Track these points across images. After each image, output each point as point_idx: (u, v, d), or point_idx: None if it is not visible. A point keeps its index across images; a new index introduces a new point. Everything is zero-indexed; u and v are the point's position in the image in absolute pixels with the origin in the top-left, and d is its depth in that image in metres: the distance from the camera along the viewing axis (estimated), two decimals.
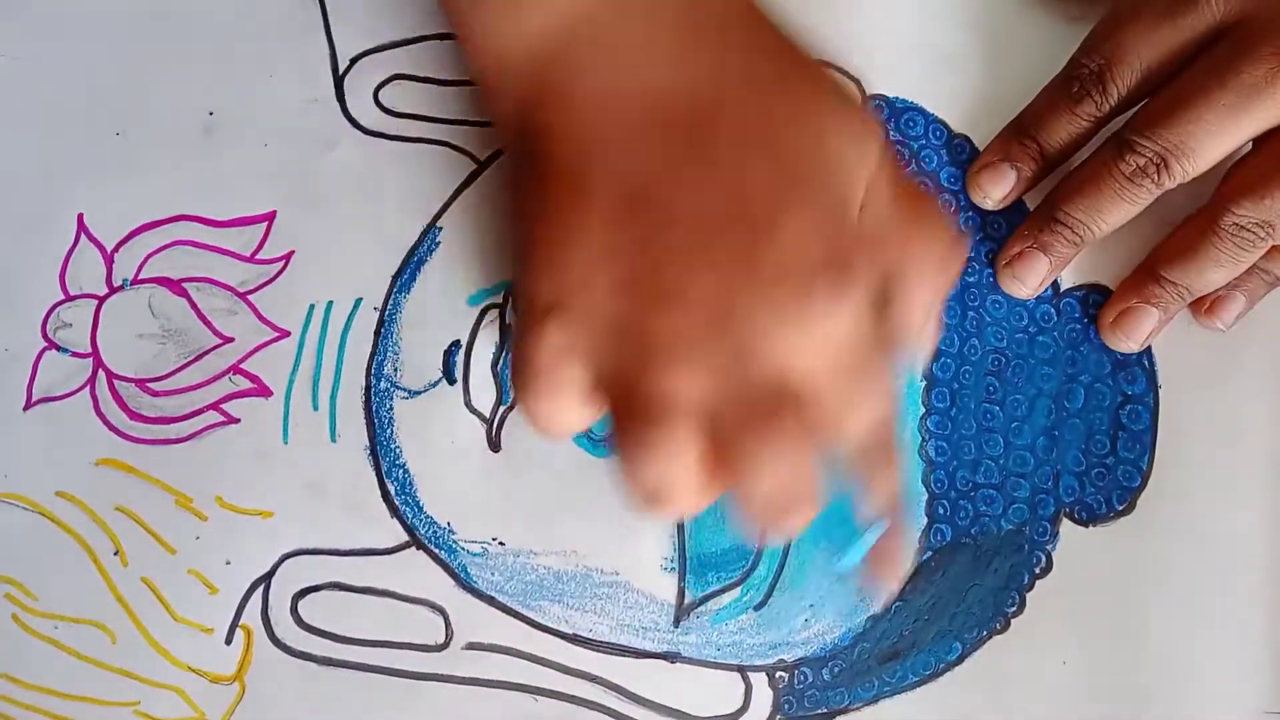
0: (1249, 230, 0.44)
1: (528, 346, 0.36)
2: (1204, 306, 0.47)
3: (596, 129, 0.37)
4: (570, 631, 0.46)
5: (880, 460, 0.39)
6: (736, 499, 0.37)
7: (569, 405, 0.37)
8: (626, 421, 0.36)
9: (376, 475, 0.46)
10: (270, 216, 0.47)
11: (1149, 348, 0.48)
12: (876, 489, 0.39)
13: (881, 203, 0.38)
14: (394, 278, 0.47)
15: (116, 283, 0.46)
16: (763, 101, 0.37)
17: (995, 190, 0.47)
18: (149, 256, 0.47)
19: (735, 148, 0.36)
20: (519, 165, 0.38)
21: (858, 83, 0.49)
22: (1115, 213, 0.45)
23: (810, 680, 0.46)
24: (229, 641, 0.46)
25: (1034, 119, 0.47)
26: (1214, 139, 0.43)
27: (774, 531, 0.37)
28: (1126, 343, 0.47)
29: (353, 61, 0.48)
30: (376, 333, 0.47)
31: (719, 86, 0.37)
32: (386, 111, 0.47)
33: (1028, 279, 0.47)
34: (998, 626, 0.47)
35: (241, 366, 0.46)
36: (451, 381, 0.47)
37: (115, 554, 0.46)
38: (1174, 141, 0.43)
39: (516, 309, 0.43)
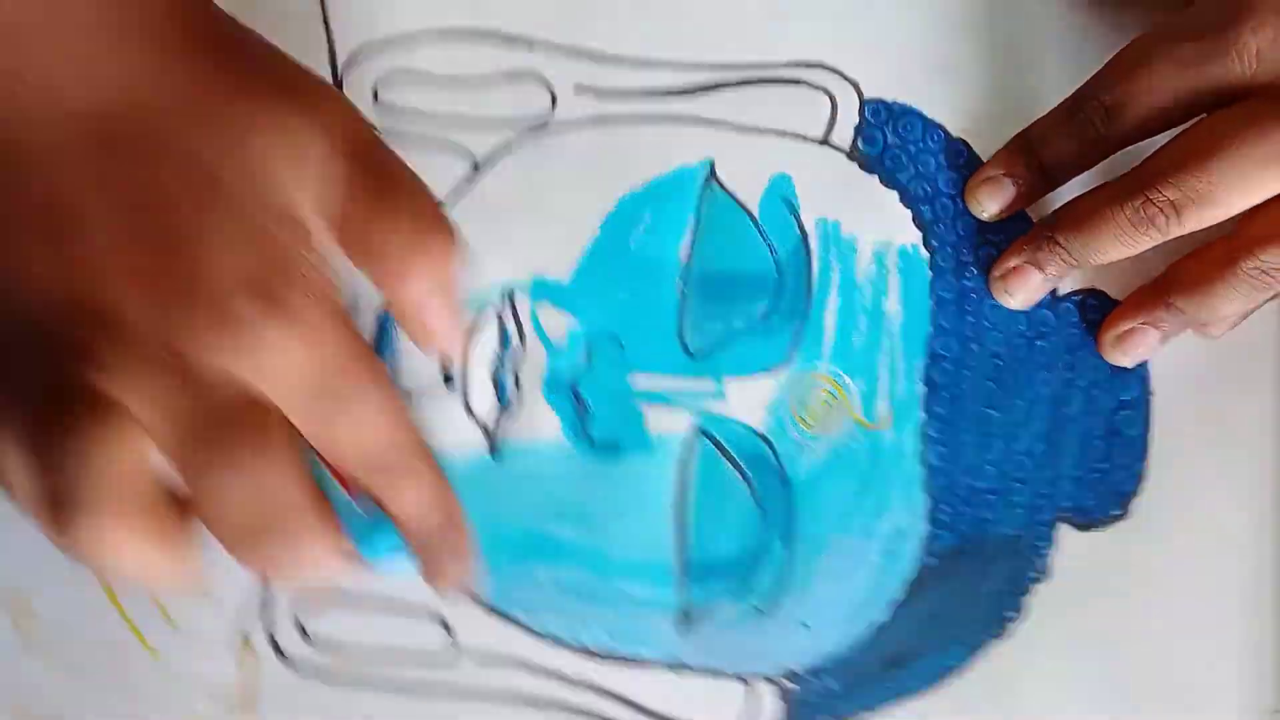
0: (1269, 275, 0.44)
1: None
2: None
3: (10, 155, 0.32)
4: (572, 640, 0.46)
5: (395, 476, 0.35)
6: (211, 533, 0.33)
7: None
8: (54, 428, 0.31)
9: None
10: None
11: None
12: (397, 508, 0.36)
13: (340, 189, 0.34)
14: None
15: None
16: (179, 109, 0.33)
17: (993, 204, 0.47)
18: None
19: (149, 155, 0.32)
20: None
21: (855, 86, 0.48)
22: (1113, 252, 0.45)
23: (815, 688, 0.46)
24: (232, 652, 0.45)
25: (1039, 138, 0.47)
26: (1241, 190, 0.42)
27: (261, 564, 0.34)
28: (1125, 360, 0.47)
29: (351, 57, 0.47)
30: (375, 337, 0.46)
31: (132, 88, 0.32)
32: (385, 109, 0.46)
33: (1018, 293, 0.47)
34: (998, 632, 0.47)
35: None
36: (450, 388, 0.46)
37: None
38: (1198, 188, 0.42)
39: None
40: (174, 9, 0.34)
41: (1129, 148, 0.45)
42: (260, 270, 0.32)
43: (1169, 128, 0.44)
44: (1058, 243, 0.46)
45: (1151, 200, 0.43)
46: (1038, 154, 0.47)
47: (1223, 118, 0.43)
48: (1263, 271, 0.44)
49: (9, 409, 0.32)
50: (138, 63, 0.33)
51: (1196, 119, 0.44)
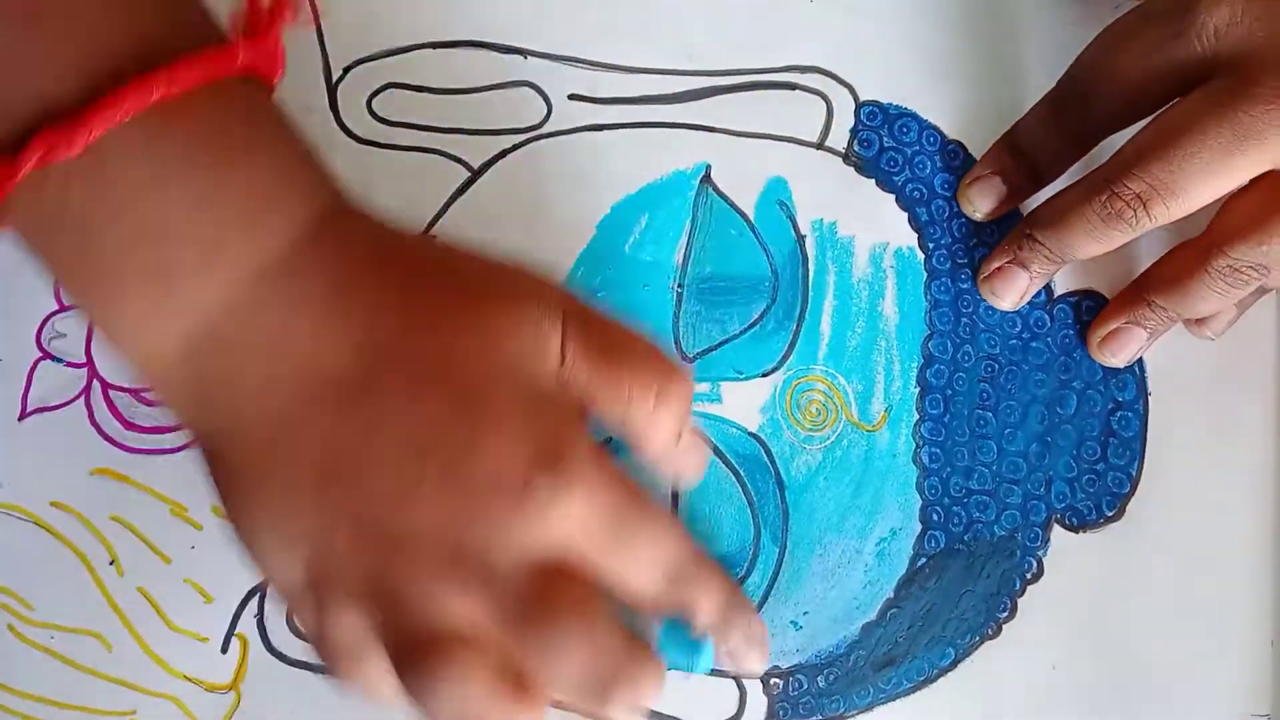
0: (1241, 272, 0.43)
1: (323, 642, 0.36)
2: (1194, 318, 0.47)
3: (266, 418, 0.34)
4: None
5: (693, 581, 0.38)
6: (565, 700, 0.36)
7: (382, 673, 0.35)
8: (410, 672, 0.34)
9: None
10: None
11: None
12: (703, 609, 0.39)
13: (582, 364, 0.36)
14: None
15: None
16: (422, 340, 0.35)
17: (984, 203, 0.47)
18: None
19: (406, 393, 0.34)
20: (210, 462, 0.36)
21: (850, 89, 0.49)
22: (1087, 249, 0.45)
23: (805, 687, 0.47)
24: (225, 650, 0.46)
25: (1024, 135, 0.47)
26: (1204, 178, 0.41)
27: (611, 710, 0.36)
28: (1113, 360, 0.47)
29: (346, 70, 0.47)
30: None
31: (374, 344, 0.35)
32: (380, 120, 0.47)
33: (1005, 294, 0.47)
34: (990, 632, 0.47)
35: None
36: None
37: (111, 564, 0.46)
38: (1162, 178, 0.42)
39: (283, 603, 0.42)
40: (396, 258, 0.37)
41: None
42: (545, 447, 0.35)
43: (1144, 115, 0.44)
44: (1036, 240, 0.46)
45: (1117, 194, 0.43)
46: (1024, 151, 0.47)
47: (1183, 105, 0.42)
48: (1234, 268, 0.43)
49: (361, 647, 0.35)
50: (377, 318, 0.35)
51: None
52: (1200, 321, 0.47)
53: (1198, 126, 0.41)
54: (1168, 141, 0.42)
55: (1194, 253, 0.44)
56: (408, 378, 0.35)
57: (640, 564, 0.37)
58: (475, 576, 0.34)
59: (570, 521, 0.35)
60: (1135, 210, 0.42)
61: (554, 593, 0.34)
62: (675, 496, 0.47)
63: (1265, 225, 0.42)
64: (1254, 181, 0.42)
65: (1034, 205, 0.47)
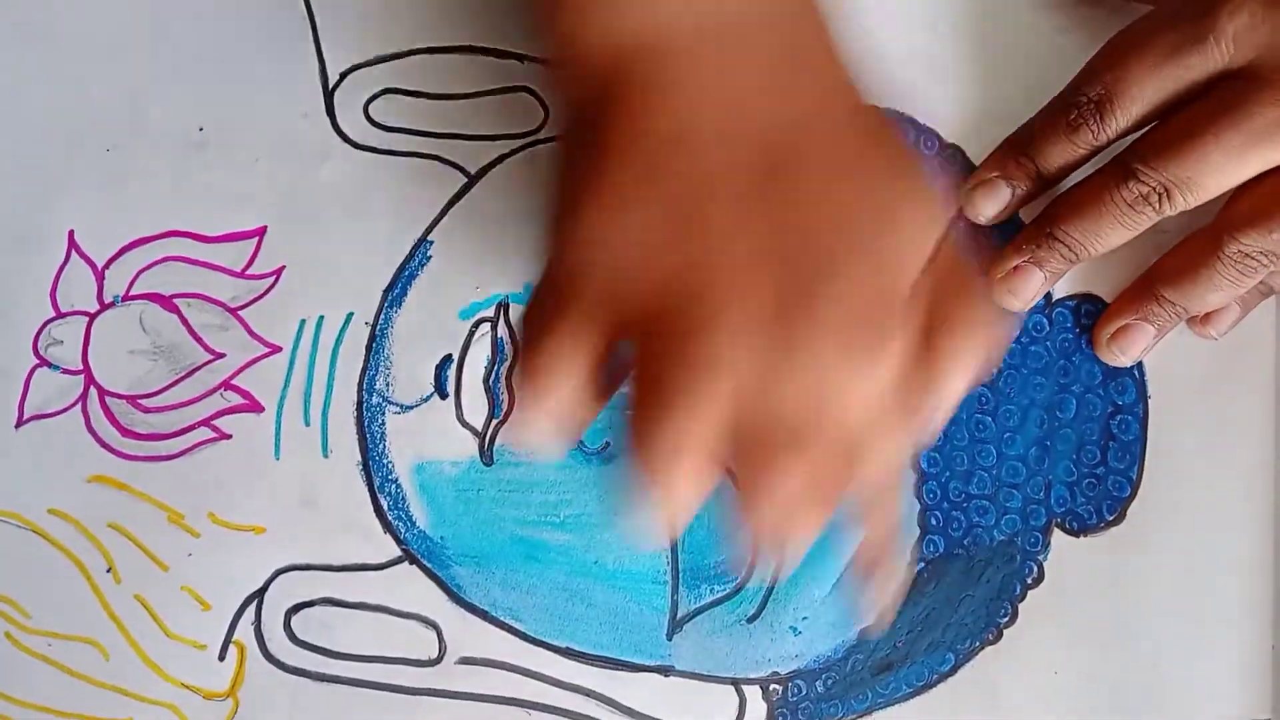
0: (1253, 258, 0.44)
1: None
2: (1198, 317, 0.47)
3: (680, 128, 0.36)
4: (563, 645, 0.46)
5: (880, 505, 0.39)
6: (739, 505, 0.36)
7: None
8: (659, 367, 0.35)
9: (369, 490, 0.46)
10: (261, 232, 0.47)
11: None
12: (871, 529, 0.40)
13: (937, 281, 0.37)
14: (385, 292, 0.47)
15: (107, 299, 0.46)
16: (849, 150, 0.37)
17: (989, 207, 0.47)
18: (140, 273, 0.46)
19: (816, 182, 0.36)
20: (576, 145, 0.38)
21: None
22: (1113, 236, 0.45)
23: (804, 693, 0.47)
24: (222, 658, 0.46)
25: (1031, 139, 0.46)
26: (1219, 175, 0.43)
27: (768, 546, 0.37)
28: (1121, 358, 0.47)
29: (342, 76, 0.47)
30: (368, 347, 0.47)
31: (810, 125, 0.36)
32: (376, 125, 0.47)
33: (1022, 293, 0.47)
34: (990, 637, 0.47)
35: (233, 382, 0.46)
36: (444, 396, 0.47)
37: (108, 571, 0.46)
38: (1180, 175, 0.43)
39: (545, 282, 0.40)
40: (841, 72, 0.38)
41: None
42: (879, 314, 0.35)
43: (1158, 116, 0.44)
44: (1056, 237, 0.46)
45: (1142, 181, 0.43)
46: (1030, 154, 0.46)
47: (1201, 107, 0.43)
48: (1245, 255, 0.44)
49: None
50: (822, 102, 0.37)
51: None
52: (1205, 320, 0.47)
53: (1212, 129, 0.42)
54: (1182, 143, 0.43)
55: (1204, 242, 0.45)
56: (822, 169, 0.36)
57: (860, 469, 0.37)
58: (760, 366, 0.34)
59: (857, 396, 0.35)
60: (1160, 196, 0.43)
61: (804, 441, 0.35)
62: None
63: (1276, 212, 0.43)
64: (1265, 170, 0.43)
65: (1032, 211, 0.47)
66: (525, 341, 0.37)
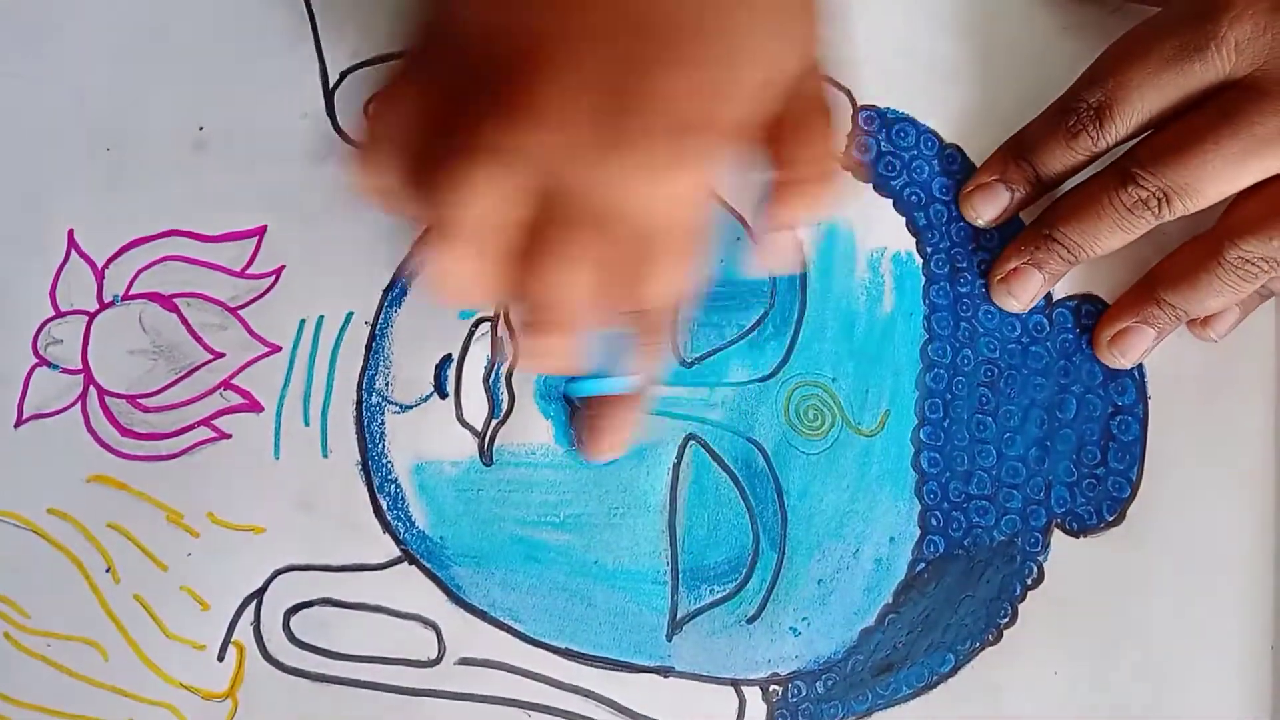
0: (1253, 265, 0.44)
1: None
2: (1198, 319, 0.47)
3: None
4: (563, 646, 0.46)
5: (656, 330, 0.40)
6: (520, 283, 0.36)
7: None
8: (480, 115, 0.34)
9: (368, 490, 0.46)
10: (261, 231, 0.47)
11: None
12: (642, 353, 0.40)
13: (788, 110, 0.37)
14: (385, 292, 0.47)
15: (107, 299, 0.46)
16: None
17: (988, 210, 0.47)
18: (139, 272, 0.46)
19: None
20: None
21: (848, 93, 0.49)
22: (1112, 240, 0.45)
23: (804, 693, 0.47)
24: (221, 658, 0.46)
25: (1030, 143, 0.46)
26: (1219, 183, 0.43)
27: (524, 345, 0.38)
28: (1121, 361, 0.47)
29: (342, 76, 0.47)
30: (368, 347, 0.47)
31: None
32: None
33: (1021, 295, 0.47)
34: (990, 638, 0.47)
35: (232, 382, 0.46)
36: (443, 395, 0.47)
37: (107, 571, 0.46)
38: (1179, 182, 0.43)
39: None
40: None
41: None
42: (710, 122, 0.35)
43: (1158, 123, 0.44)
44: (1055, 239, 0.46)
45: (1142, 185, 0.43)
46: (1029, 158, 0.46)
47: (1201, 115, 0.43)
48: (1246, 261, 0.44)
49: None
50: None
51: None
52: (1205, 323, 0.47)
53: (1211, 137, 0.42)
54: (1182, 149, 0.43)
55: (1204, 247, 0.45)
56: None
57: (649, 285, 0.37)
58: (570, 135, 0.34)
59: (670, 202, 0.35)
60: (1159, 200, 0.43)
61: (587, 235, 0.35)
62: (674, 503, 0.47)
63: (1273, 220, 0.43)
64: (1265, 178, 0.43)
65: (1032, 213, 0.47)
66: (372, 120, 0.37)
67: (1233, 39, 0.42)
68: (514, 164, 0.34)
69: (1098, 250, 0.45)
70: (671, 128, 0.34)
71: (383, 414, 0.47)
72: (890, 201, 0.48)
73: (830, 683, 0.47)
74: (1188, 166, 0.43)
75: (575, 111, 0.34)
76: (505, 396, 0.47)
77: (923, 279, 0.48)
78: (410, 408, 0.47)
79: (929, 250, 0.48)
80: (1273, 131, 0.42)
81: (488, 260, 0.36)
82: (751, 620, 0.47)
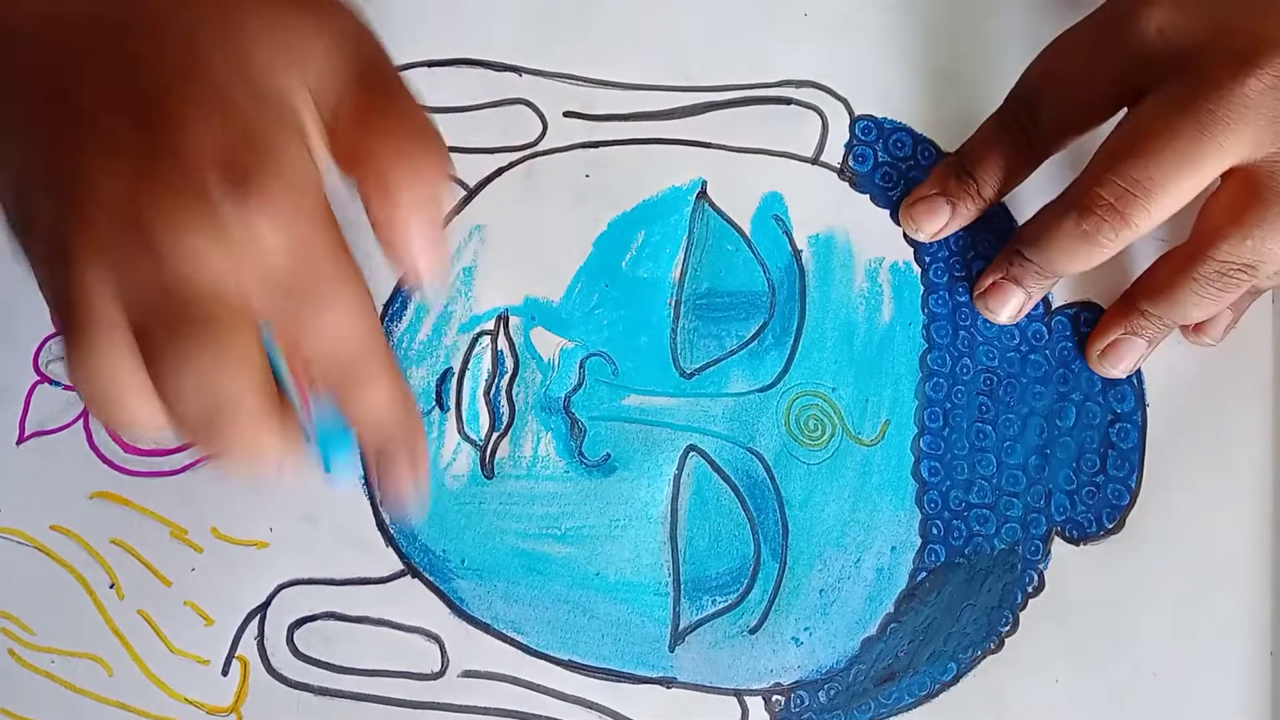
0: (1230, 275, 0.43)
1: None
2: (1190, 325, 0.47)
3: (14, 26, 0.33)
4: (565, 657, 0.46)
5: (358, 377, 0.34)
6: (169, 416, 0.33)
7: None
8: (61, 333, 0.32)
9: (371, 504, 0.46)
10: None
11: None
12: (360, 407, 0.34)
13: (355, 101, 0.34)
14: (385, 306, 0.47)
15: None
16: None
17: (929, 224, 0.47)
18: None
19: (141, 34, 0.33)
20: None
21: (845, 103, 0.49)
22: (1070, 267, 0.45)
23: (806, 703, 0.47)
24: (225, 673, 0.46)
25: (970, 154, 0.47)
26: (1177, 173, 0.41)
27: (214, 459, 0.33)
28: (1115, 372, 0.47)
29: None
30: None
31: None
32: None
33: (999, 310, 0.47)
34: (992, 646, 0.47)
35: None
36: (444, 409, 0.47)
37: (111, 587, 0.46)
38: (1136, 178, 0.41)
39: None
40: None
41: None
42: (237, 150, 0.31)
43: (1095, 122, 0.44)
44: (1025, 257, 0.46)
45: (1091, 209, 0.42)
46: (970, 171, 0.46)
47: (1144, 107, 0.42)
48: (1222, 273, 0.43)
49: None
50: None
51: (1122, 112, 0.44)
52: (1199, 329, 0.47)
53: (1162, 123, 0.41)
54: (1136, 142, 0.42)
55: (1180, 260, 0.44)
56: (151, 18, 0.33)
57: (303, 342, 0.33)
58: (134, 263, 0.31)
59: (239, 255, 0.31)
60: (1113, 222, 0.42)
61: (200, 310, 0.31)
62: (675, 514, 0.47)
63: (1243, 220, 0.42)
64: (1224, 181, 0.43)
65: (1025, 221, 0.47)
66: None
67: (1154, 23, 0.42)
68: (111, 320, 0.32)
69: (1066, 273, 0.46)
70: (197, 172, 0.31)
71: None
72: (887, 212, 0.49)
73: (833, 692, 0.47)
74: (1144, 159, 0.41)
75: (111, 220, 0.31)
76: (506, 409, 0.47)
77: (921, 288, 0.48)
78: None
79: (927, 259, 0.48)
80: (1221, 107, 0.40)
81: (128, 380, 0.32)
82: (754, 630, 0.47)
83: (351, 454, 0.35)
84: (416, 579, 0.46)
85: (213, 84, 0.32)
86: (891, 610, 0.47)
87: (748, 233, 0.48)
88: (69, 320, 0.32)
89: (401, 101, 0.36)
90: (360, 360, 0.34)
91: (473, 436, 0.47)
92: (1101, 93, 0.43)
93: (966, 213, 0.47)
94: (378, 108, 0.35)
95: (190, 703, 0.46)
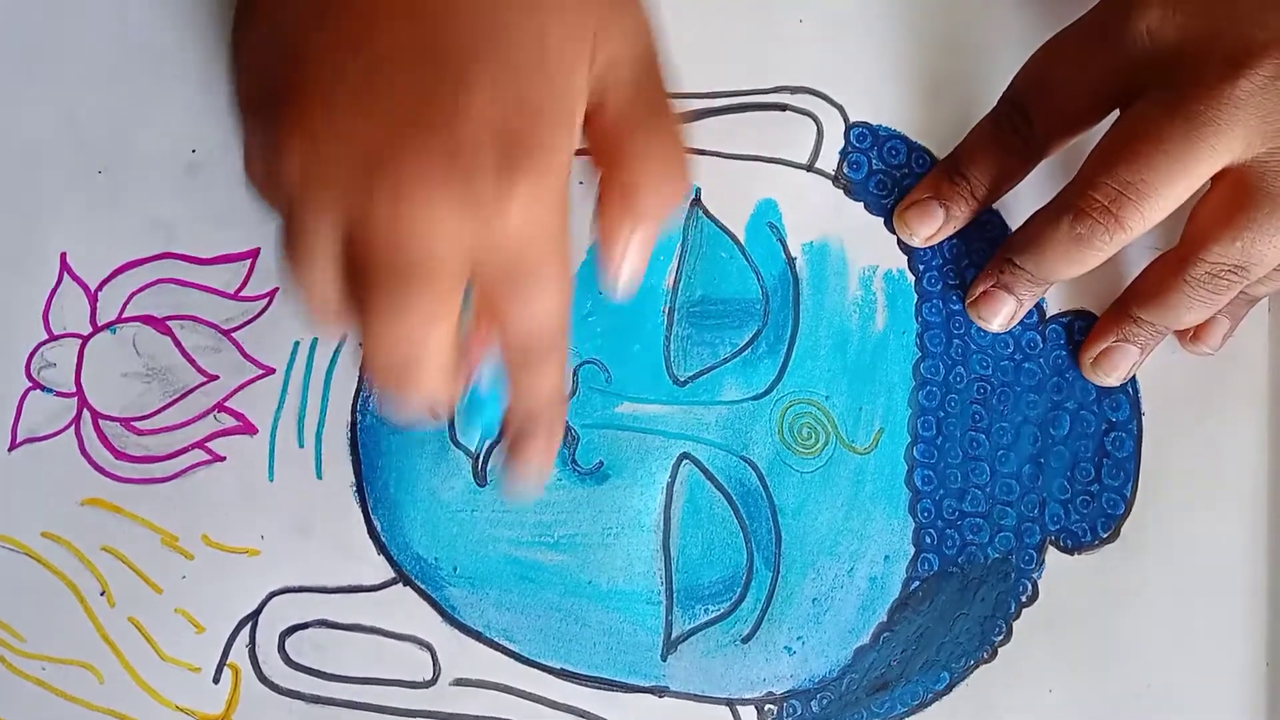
0: (1222, 277, 0.43)
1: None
2: (1188, 334, 0.47)
3: None
4: (558, 666, 0.46)
5: (539, 359, 0.37)
6: (361, 349, 0.35)
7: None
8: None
9: (363, 511, 0.46)
10: (254, 254, 0.47)
11: None
12: (529, 386, 0.37)
13: (626, 103, 0.36)
14: None
15: (100, 322, 0.46)
16: None
17: (923, 229, 0.47)
18: (133, 295, 0.46)
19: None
20: None
21: (840, 110, 0.49)
22: (1063, 272, 0.45)
23: (799, 713, 0.47)
24: (217, 680, 0.46)
25: (964, 157, 0.47)
26: (1169, 175, 0.41)
27: (385, 395, 0.35)
28: (1109, 380, 0.47)
29: None
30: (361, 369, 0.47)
31: None
32: None
33: (991, 317, 0.47)
34: (985, 656, 0.47)
35: (226, 404, 0.46)
36: (437, 417, 0.47)
37: (102, 594, 0.46)
38: (1128, 180, 0.41)
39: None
40: None
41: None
42: (511, 123, 0.33)
43: (1087, 124, 0.44)
44: (1016, 265, 0.46)
45: (1085, 211, 0.42)
46: (964, 174, 0.46)
47: (1135, 110, 0.42)
48: (1213, 275, 0.43)
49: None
50: None
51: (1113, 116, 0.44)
52: (1196, 338, 0.47)
53: (1153, 125, 0.41)
54: (1128, 144, 0.42)
55: (1171, 263, 0.44)
56: None
57: (510, 316, 0.35)
58: (372, 207, 0.32)
59: (481, 226, 0.33)
60: (1106, 224, 0.42)
61: (415, 280, 0.33)
62: (668, 522, 0.47)
63: (1233, 222, 0.42)
64: (1214, 184, 0.43)
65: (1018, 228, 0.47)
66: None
67: (1144, 25, 0.42)
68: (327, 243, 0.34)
69: (1059, 278, 0.45)
70: (472, 143, 0.33)
71: (377, 435, 0.47)
72: (881, 220, 0.48)
73: (825, 702, 0.47)
74: (1136, 161, 0.41)
75: (348, 162, 0.33)
76: None
77: (915, 296, 0.48)
78: (404, 429, 0.47)
79: (921, 267, 0.48)
80: (1211, 109, 0.40)
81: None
82: (746, 639, 0.47)
83: (493, 422, 0.39)
84: (408, 587, 0.46)
85: (504, 48, 0.33)
86: (884, 619, 0.47)
87: (742, 240, 0.48)
88: (290, 222, 0.34)
89: (672, 122, 0.37)
90: (548, 346, 0.36)
91: (465, 445, 0.47)
92: (1094, 95, 0.44)
93: (960, 215, 0.47)
94: (645, 121, 0.36)
95: (182, 710, 0.46)
